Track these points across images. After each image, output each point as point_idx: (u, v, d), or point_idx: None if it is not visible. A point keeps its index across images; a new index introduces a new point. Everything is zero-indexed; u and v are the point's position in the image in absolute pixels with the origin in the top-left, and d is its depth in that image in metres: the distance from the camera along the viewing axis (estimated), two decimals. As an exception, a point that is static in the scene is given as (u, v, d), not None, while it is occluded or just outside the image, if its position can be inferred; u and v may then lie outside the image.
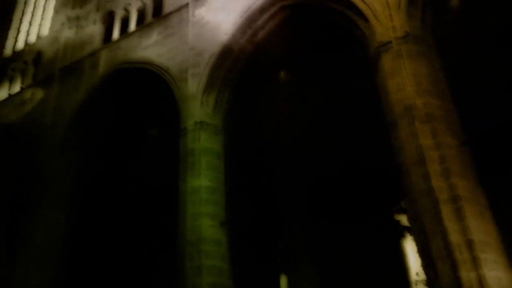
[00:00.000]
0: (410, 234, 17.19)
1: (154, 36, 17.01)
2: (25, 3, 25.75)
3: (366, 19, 12.02)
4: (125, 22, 18.99)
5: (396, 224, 18.31)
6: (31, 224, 16.59)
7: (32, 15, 24.99)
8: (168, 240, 15.67)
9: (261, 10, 14.67)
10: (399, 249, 18.10)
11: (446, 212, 8.98)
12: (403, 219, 17.93)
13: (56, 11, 22.47)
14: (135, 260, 20.65)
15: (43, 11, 24.47)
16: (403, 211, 17.58)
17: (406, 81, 10.49)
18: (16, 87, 21.66)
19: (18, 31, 24.70)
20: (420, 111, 10.04)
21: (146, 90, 17.24)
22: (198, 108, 14.32)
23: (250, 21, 14.80)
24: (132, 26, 18.40)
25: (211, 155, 13.75)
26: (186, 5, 16.65)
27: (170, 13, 17.05)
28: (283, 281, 19.56)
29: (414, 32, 11.14)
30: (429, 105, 10.10)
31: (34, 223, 16.57)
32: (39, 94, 19.89)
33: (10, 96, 21.34)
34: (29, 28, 24.48)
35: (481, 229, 8.87)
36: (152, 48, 16.82)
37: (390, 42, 11.15)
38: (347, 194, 18.70)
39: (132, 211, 20.70)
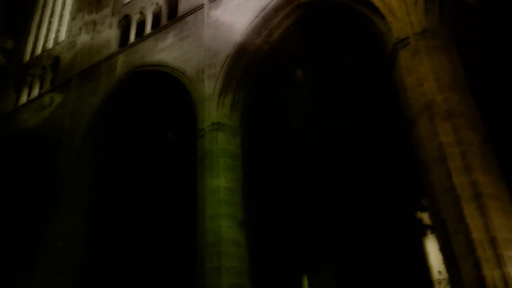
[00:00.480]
0: (432, 232, 17.00)
1: (169, 39, 17.06)
2: (43, 9, 26.06)
3: (382, 16, 11.87)
4: (141, 26, 19.07)
5: (417, 223, 18.10)
6: (51, 227, 16.78)
7: (50, 21, 25.28)
8: (186, 241, 15.73)
9: (276, 10, 14.62)
10: (421, 248, 17.90)
11: (469, 209, 8.78)
12: (425, 217, 17.73)
13: (73, 16, 22.69)
14: (153, 261, 20.74)
15: (60, 17, 24.74)
16: (424, 209, 17.39)
17: (424, 77, 10.31)
18: (35, 92, 21.93)
19: (36, 38, 25.02)
20: (440, 107, 9.85)
21: (163, 93, 17.30)
22: (215, 109, 14.30)
23: (265, 21, 14.76)
24: (148, 29, 18.48)
25: (228, 156, 13.70)
26: (201, 6, 16.67)
27: (185, 15, 17.08)
28: (305, 282, 19.48)
29: (432, 28, 10.93)
30: (449, 101, 9.90)
31: (54, 226, 16.74)
32: (58, 98, 20.10)
33: (30, 101, 21.62)
34: (46, 34, 24.78)
35: (504, 226, 8.66)
36: (168, 50, 16.87)
37: (407, 38, 10.98)
38: (368, 193, 18.57)
39: (149, 213, 20.81)
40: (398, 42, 11.15)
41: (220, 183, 13.13)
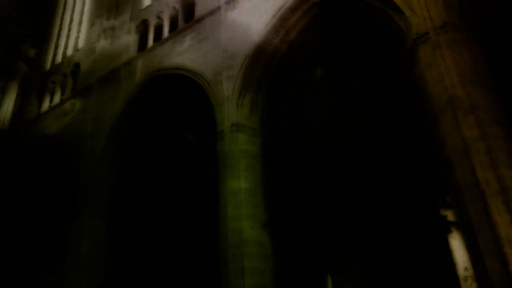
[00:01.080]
0: (457, 229, 16.79)
1: (187, 42, 17.14)
2: (62, 17, 26.42)
3: (400, 12, 11.74)
4: (158, 30, 19.21)
5: (442, 220, 17.87)
6: (76, 233, 17.01)
7: (69, 29, 25.63)
8: (208, 243, 15.77)
9: (293, 9, 14.59)
10: (446, 245, 17.66)
11: (495, 205, 8.61)
12: (450, 214, 17.51)
13: (92, 23, 22.95)
14: (176, 264, 20.83)
15: (79, 24, 25.07)
16: (449, 206, 17.16)
17: (446, 71, 10.13)
18: (57, 99, 22.23)
19: (57, 45, 25.37)
20: (463, 101, 9.69)
21: (182, 95, 17.40)
22: (234, 111, 14.32)
23: (282, 21, 14.74)
24: (166, 33, 18.60)
25: (249, 156, 13.71)
26: (218, 8, 16.70)
27: (202, 18, 17.14)
28: (329, 281, 19.37)
29: (452, 21, 10.75)
30: (472, 95, 9.73)
31: (79, 231, 16.97)
32: (79, 104, 20.35)
33: (52, 108, 21.94)
34: (66, 41, 25.12)
35: (532, 221, 8.53)
36: (186, 53, 16.96)
37: (427, 33, 10.82)
38: (391, 190, 18.40)
39: (171, 216, 20.91)
40: (418, 37, 11.00)
41: (241, 184, 13.13)
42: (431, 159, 11.01)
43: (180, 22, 18.28)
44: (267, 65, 14.94)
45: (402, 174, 18.06)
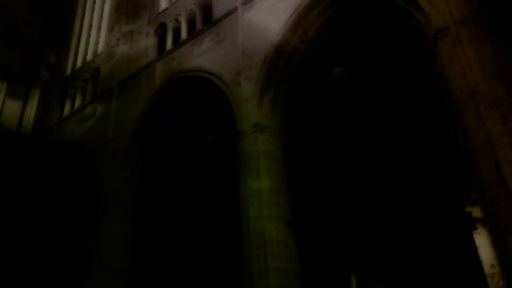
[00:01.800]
0: (483, 226, 16.56)
1: (205, 43, 17.20)
2: (81, 23, 26.73)
3: (419, 7, 11.60)
4: (177, 32, 19.32)
5: (467, 216, 17.63)
6: (100, 235, 17.17)
7: (88, 35, 25.90)
8: (231, 243, 15.79)
9: (311, 7, 14.54)
10: (471, 242, 17.43)
11: (522, 200, 8.50)
12: (475, 211, 17.27)
13: (110, 28, 23.17)
14: (200, 265, 20.92)
15: (98, 30, 25.32)
16: (474, 202, 16.93)
17: (468, 66, 9.95)
18: (78, 104, 22.47)
19: (77, 51, 25.67)
20: (486, 96, 9.50)
21: (201, 97, 17.45)
22: (254, 111, 14.30)
23: (300, 20, 14.69)
24: (184, 35, 18.69)
25: (270, 157, 13.66)
26: (235, 9, 16.73)
27: (220, 19, 17.18)
28: (353, 281, 19.28)
29: (472, 15, 10.54)
30: (496, 90, 9.52)
31: (103, 234, 17.13)
32: (100, 109, 20.55)
33: (73, 113, 22.19)
34: (86, 47, 25.39)
35: (561, 216, 8.35)
36: (204, 55, 17.01)
37: (447, 27, 10.64)
38: (414, 187, 18.23)
39: (194, 216, 21.02)
40: (438, 32, 10.83)
41: (262, 185, 13.08)
42: (454, 156, 10.85)
43: (198, 24, 18.36)
44: (286, 64, 14.89)
45: (426, 171, 17.89)
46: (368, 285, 18.26)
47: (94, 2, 27.20)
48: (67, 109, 23.09)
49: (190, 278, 20.52)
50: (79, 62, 24.93)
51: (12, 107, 23.51)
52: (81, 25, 26.71)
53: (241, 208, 13.24)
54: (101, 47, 23.93)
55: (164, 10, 20.61)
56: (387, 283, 17.94)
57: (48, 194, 21.31)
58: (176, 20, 19.60)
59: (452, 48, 10.47)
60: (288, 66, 14.96)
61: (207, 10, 18.40)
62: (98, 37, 25.00)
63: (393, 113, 17.50)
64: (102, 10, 26.09)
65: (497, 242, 9.03)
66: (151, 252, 20.05)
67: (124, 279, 16.76)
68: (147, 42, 20.30)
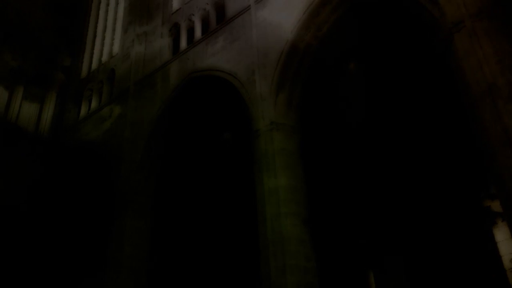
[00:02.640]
0: (502, 220, 16.37)
1: (220, 43, 17.27)
2: (96, 25, 26.91)
3: (434, 1, 11.54)
4: (190, 32, 19.42)
5: (486, 211, 17.43)
6: (119, 235, 17.33)
7: (103, 36, 26.09)
8: (249, 242, 15.82)
9: (324, 4, 14.52)
10: (491, 236, 17.24)
11: (541, 194, 8.41)
12: (494, 205, 17.07)
13: (125, 29, 23.32)
14: (217, 263, 20.97)
15: (113, 31, 25.49)
16: (493, 196, 16.74)
17: (484, 60, 9.83)
18: (95, 106, 22.66)
19: (92, 53, 25.86)
20: (503, 89, 9.37)
21: (217, 96, 17.51)
22: (269, 109, 14.33)
23: (313, 17, 14.68)
24: (198, 34, 18.79)
25: (286, 154, 13.67)
26: (248, 8, 16.78)
27: (233, 18, 17.26)
28: (371, 278, 19.18)
29: (487, 8, 10.40)
30: (514, 83, 9.46)
31: (121, 234, 17.30)
32: (117, 110, 20.71)
33: (90, 115, 22.37)
34: (101, 48, 25.57)
35: None
36: (219, 54, 17.08)
37: (462, 21, 10.54)
38: (433, 182, 18.08)
39: (211, 215, 21.07)
40: (453, 26, 10.72)
41: (279, 183, 13.11)
42: (473, 150, 10.75)
43: (212, 24, 18.43)
44: (300, 61, 14.88)
45: (444, 166, 17.75)
46: (386, 281, 18.16)
47: (107, 4, 27.40)
48: (83, 110, 23.27)
49: (207, 276, 20.60)
50: (94, 64, 25.11)
51: (30, 110, 23.76)
52: (96, 27, 26.89)
53: (258, 206, 13.28)
54: (116, 48, 24.09)
55: (178, 10, 20.71)
56: (406, 279, 17.84)
57: (66, 196, 21.52)
58: (190, 20, 19.68)
59: (467, 42, 10.35)
60: (303, 63, 14.94)
61: (220, 9, 18.46)
62: (112, 38, 25.16)
63: (410, 108, 17.38)
64: (116, 12, 26.27)
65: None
66: (168, 251, 20.18)
67: (143, 277, 16.88)
68: (162, 43, 20.42)
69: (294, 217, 12.73)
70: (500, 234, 17.09)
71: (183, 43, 19.38)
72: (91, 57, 25.76)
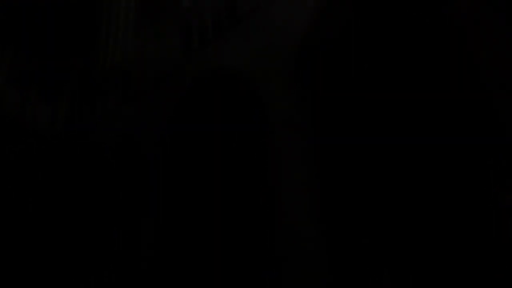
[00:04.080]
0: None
1: (232, 41, 17.22)
2: (107, 27, 26.97)
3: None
4: (202, 31, 19.37)
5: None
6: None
7: (115, 38, 26.12)
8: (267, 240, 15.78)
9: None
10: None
11: None
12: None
13: (137, 30, 23.32)
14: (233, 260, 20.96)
15: (125, 32, 25.52)
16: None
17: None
18: (107, 107, 22.66)
19: (104, 54, 25.88)
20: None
21: (230, 95, 17.47)
22: (285, 106, 14.29)
23: (325, 11, 14.60)
24: (209, 33, 18.72)
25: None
26: (259, 5, 16.73)
27: (245, 16, 17.19)
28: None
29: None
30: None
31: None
32: (130, 112, 20.68)
33: (103, 116, 22.37)
34: (113, 50, 25.61)
35: None
36: (231, 53, 17.04)
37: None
38: (448, 176, 17.90)
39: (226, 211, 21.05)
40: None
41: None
42: (491, 146, 10.59)
43: (224, 22, 18.38)
44: (315, 57, 14.83)
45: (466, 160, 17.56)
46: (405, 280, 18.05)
47: (119, 5, 27.45)
48: (97, 111, 23.32)
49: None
50: (106, 65, 25.15)
51: (43, 112, 23.88)
52: (108, 29, 26.95)
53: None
54: (128, 49, 24.11)
55: (188, 9, 20.68)
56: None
57: (79, 197, 21.61)
58: (201, 19, 19.65)
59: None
60: (317, 59, 14.86)
61: (231, 8, 18.40)
62: (125, 40, 25.20)
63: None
64: (127, 14, 26.30)
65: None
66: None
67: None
68: (173, 43, 20.40)
69: (307, 215, 12.64)
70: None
71: (195, 43, 19.33)
72: (104, 58, 25.80)
